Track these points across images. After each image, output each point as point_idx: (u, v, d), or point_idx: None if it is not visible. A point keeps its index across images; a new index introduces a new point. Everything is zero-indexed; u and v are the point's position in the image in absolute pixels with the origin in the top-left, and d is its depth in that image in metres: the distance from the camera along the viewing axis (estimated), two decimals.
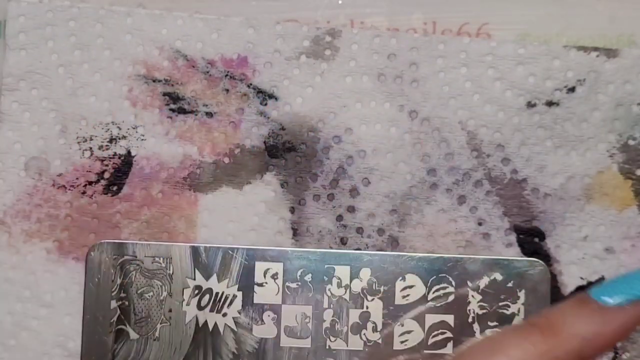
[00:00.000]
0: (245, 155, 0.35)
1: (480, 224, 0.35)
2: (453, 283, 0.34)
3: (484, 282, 0.34)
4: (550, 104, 0.34)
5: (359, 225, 0.35)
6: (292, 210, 0.35)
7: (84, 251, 0.35)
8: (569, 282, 0.35)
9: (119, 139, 0.35)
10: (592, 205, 0.34)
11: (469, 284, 0.34)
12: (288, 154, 0.35)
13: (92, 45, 0.35)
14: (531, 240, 0.35)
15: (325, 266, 0.34)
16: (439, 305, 0.34)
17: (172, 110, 0.35)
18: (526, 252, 0.35)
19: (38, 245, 0.35)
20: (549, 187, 0.35)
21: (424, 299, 0.34)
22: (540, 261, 0.34)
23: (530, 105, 0.34)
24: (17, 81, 0.36)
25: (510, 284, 0.34)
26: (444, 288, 0.34)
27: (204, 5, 0.36)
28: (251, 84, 0.35)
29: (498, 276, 0.34)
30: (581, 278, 0.34)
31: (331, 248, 0.35)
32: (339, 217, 0.35)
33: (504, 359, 0.22)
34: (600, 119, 0.34)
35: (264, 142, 0.35)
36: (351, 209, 0.35)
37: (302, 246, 0.35)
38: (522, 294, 0.34)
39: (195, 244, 0.34)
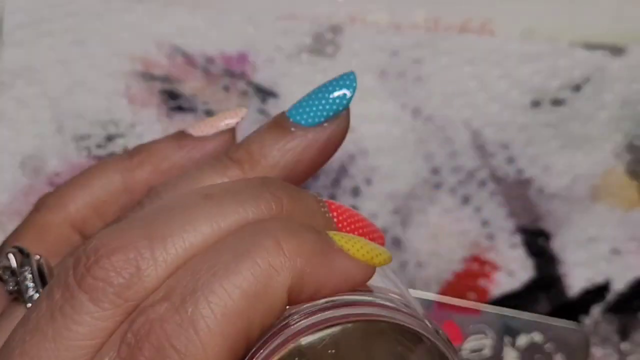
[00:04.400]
0: None
1: (484, 224, 0.35)
2: (491, 337, 0.33)
3: (522, 340, 0.33)
4: (555, 102, 0.34)
5: None
6: None
7: None
8: (575, 283, 0.34)
9: (117, 137, 0.35)
10: (598, 205, 0.34)
11: (507, 339, 0.33)
12: None
13: (89, 41, 0.35)
14: (536, 241, 0.35)
15: None
16: (472, 353, 0.33)
17: (171, 108, 0.35)
18: (531, 253, 0.34)
19: None
20: (554, 187, 0.35)
21: (459, 349, 0.33)
22: (581, 328, 0.33)
23: (536, 104, 0.34)
24: (14, 78, 0.36)
25: (547, 346, 0.33)
26: (481, 339, 0.33)
27: (203, 1, 0.36)
28: (251, 82, 0.35)
29: (537, 335, 0.33)
30: (587, 279, 0.34)
31: None
32: None
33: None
34: (606, 118, 0.34)
35: None
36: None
37: None
38: (558, 357, 0.33)
39: None
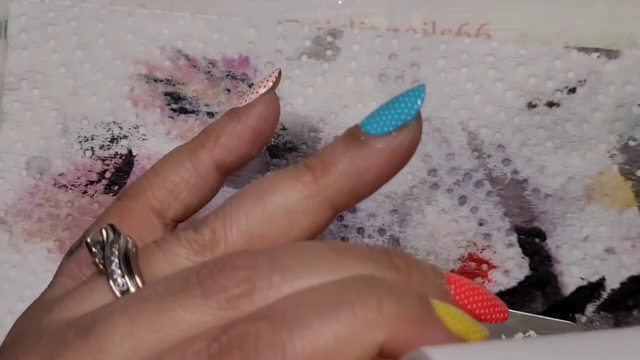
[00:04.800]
0: None
1: (481, 224, 0.35)
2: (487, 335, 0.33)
3: (517, 338, 0.33)
4: (551, 104, 0.34)
5: (360, 226, 0.35)
6: None
7: None
8: (570, 282, 0.35)
9: (120, 138, 0.36)
10: (593, 205, 0.35)
11: (503, 337, 0.33)
12: (289, 154, 0.35)
13: (93, 44, 0.35)
14: (532, 240, 0.35)
15: None
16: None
17: (174, 110, 0.35)
18: (527, 252, 0.35)
19: (39, 245, 0.35)
20: (549, 188, 0.35)
21: None
22: (576, 326, 0.33)
23: (531, 105, 0.34)
24: (19, 80, 0.36)
25: None
26: None
27: (205, 5, 0.36)
28: (252, 84, 0.35)
29: (533, 334, 0.33)
30: (582, 278, 0.34)
31: None
32: (340, 217, 0.35)
33: (276, 197, 0.22)
34: (600, 120, 0.34)
35: None
36: (352, 209, 0.35)
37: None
38: None
39: None
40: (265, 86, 0.28)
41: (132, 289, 0.21)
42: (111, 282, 0.21)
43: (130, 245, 0.22)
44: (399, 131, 0.22)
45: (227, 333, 0.18)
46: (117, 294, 0.21)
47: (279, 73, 0.28)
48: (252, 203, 0.22)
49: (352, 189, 0.22)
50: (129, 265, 0.21)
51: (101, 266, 0.22)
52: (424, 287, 0.20)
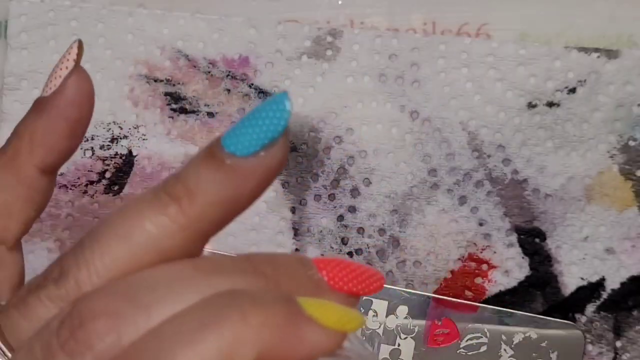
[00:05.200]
0: None
1: (481, 224, 0.35)
2: (488, 334, 0.33)
3: (518, 337, 0.33)
4: (551, 104, 0.34)
5: (360, 226, 0.35)
6: (293, 210, 0.35)
7: None
8: (570, 282, 0.35)
9: (121, 138, 0.36)
10: (593, 205, 0.35)
11: (504, 337, 0.33)
12: (289, 154, 0.35)
13: (93, 45, 0.36)
14: (532, 240, 0.35)
15: (363, 298, 0.34)
16: (470, 353, 0.33)
17: (174, 110, 0.35)
18: (527, 252, 0.35)
19: (39, 245, 0.35)
20: (549, 188, 0.35)
21: (456, 345, 0.33)
22: (576, 326, 0.33)
23: (531, 105, 0.34)
24: (19, 80, 0.36)
25: (543, 344, 0.33)
26: (478, 338, 0.33)
27: (205, 5, 0.36)
28: (252, 84, 0.35)
29: (533, 334, 0.33)
30: (582, 278, 0.34)
31: (332, 248, 0.35)
32: (340, 217, 0.35)
33: (142, 235, 0.19)
34: (600, 120, 0.34)
35: None
36: (352, 209, 0.35)
37: (303, 246, 0.35)
38: (554, 356, 0.33)
39: (210, 250, 0.34)
40: (67, 66, 0.24)
41: None
42: None
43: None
44: (267, 150, 0.20)
45: None
46: None
47: (79, 45, 0.24)
48: (116, 245, 0.19)
49: (223, 216, 0.20)
50: None
51: None
52: (294, 286, 0.19)
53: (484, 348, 0.33)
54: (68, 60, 0.24)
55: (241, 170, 0.20)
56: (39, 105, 0.24)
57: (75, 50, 0.24)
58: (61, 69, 0.24)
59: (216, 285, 0.19)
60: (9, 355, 0.19)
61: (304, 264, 0.20)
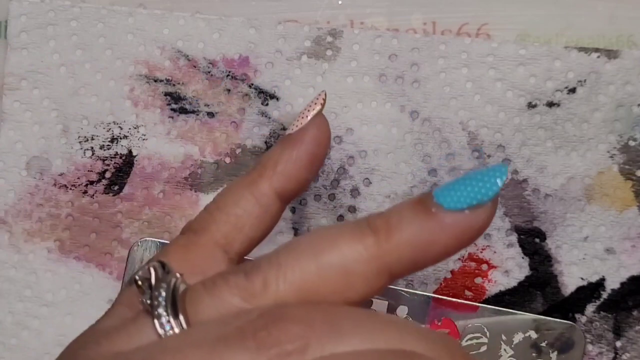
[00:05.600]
0: (246, 155, 0.35)
1: None
2: (488, 334, 0.33)
3: (518, 337, 0.33)
4: (551, 104, 0.34)
5: None
6: (293, 210, 0.35)
7: (85, 250, 0.36)
8: (570, 282, 0.35)
9: (121, 138, 0.36)
10: (593, 205, 0.35)
11: (504, 337, 0.33)
12: None
13: (93, 44, 0.36)
14: (532, 240, 0.35)
15: None
16: (470, 353, 0.33)
17: (174, 110, 0.35)
18: (527, 252, 0.35)
19: (39, 245, 0.36)
20: (549, 188, 0.35)
21: None
22: (576, 326, 0.33)
23: (531, 105, 0.34)
24: (19, 80, 0.36)
25: (543, 344, 0.33)
26: (478, 338, 0.33)
27: (205, 5, 0.36)
28: (252, 84, 0.35)
29: (533, 334, 0.33)
30: (582, 279, 0.35)
31: None
32: (340, 217, 0.35)
33: (334, 255, 0.21)
34: (600, 120, 0.34)
35: (265, 142, 0.35)
36: (352, 209, 0.35)
37: None
38: (554, 356, 0.33)
39: None
40: (314, 109, 0.28)
41: (177, 330, 0.21)
42: (156, 322, 0.21)
43: (178, 284, 0.22)
44: (472, 210, 0.21)
45: None
46: (162, 334, 0.21)
47: (325, 95, 0.29)
48: (309, 258, 0.21)
49: (413, 260, 0.21)
50: (175, 306, 0.21)
51: (148, 305, 0.21)
52: None
53: (484, 348, 0.33)
54: (316, 104, 0.29)
55: (442, 219, 0.21)
56: (286, 139, 0.28)
57: (322, 97, 0.29)
58: (308, 110, 0.29)
59: (393, 341, 0.19)
60: (185, 327, 0.21)
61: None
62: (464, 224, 0.21)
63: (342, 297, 0.21)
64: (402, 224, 0.21)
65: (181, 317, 0.21)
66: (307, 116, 0.28)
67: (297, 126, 0.28)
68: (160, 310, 0.21)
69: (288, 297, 0.21)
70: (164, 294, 0.21)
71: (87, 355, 0.21)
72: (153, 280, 0.22)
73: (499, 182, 0.21)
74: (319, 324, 0.19)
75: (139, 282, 0.22)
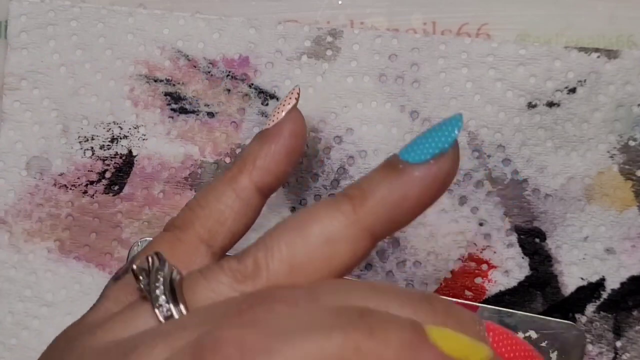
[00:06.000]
0: None
1: (481, 224, 0.35)
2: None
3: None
4: (551, 104, 0.34)
5: None
6: (293, 210, 0.35)
7: (85, 250, 0.36)
8: (570, 282, 0.35)
9: (121, 138, 0.36)
10: (593, 205, 0.35)
11: None
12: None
13: (93, 44, 0.36)
14: (532, 240, 0.35)
15: None
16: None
17: (174, 110, 0.35)
18: (527, 252, 0.35)
19: (39, 245, 0.36)
20: (549, 188, 0.35)
21: None
22: (576, 326, 0.33)
23: (531, 105, 0.34)
24: (19, 80, 0.36)
25: (543, 344, 0.33)
26: None
27: (205, 5, 0.36)
28: (252, 84, 0.35)
29: (533, 334, 0.33)
30: (582, 278, 0.35)
31: None
32: None
33: (316, 227, 0.22)
34: (600, 120, 0.34)
35: None
36: None
37: None
38: (554, 356, 0.33)
39: None
40: (289, 103, 0.29)
41: (176, 316, 0.21)
42: (156, 309, 0.22)
43: (175, 274, 0.23)
44: (436, 159, 0.22)
45: None
46: (161, 319, 0.21)
47: (299, 89, 0.30)
48: (293, 234, 0.22)
49: (391, 217, 0.22)
50: (173, 293, 0.22)
51: (146, 292, 0.22)
52: (461, 329, 0.20)
53: None
54: (290, 99, 0.29)
55: (410, 174, 0.22)
56: (263, 134, 0.29)
57: (297, 91, 0.30)
58: (284, 105, 0.29)
59: (391, 310, 0.20)
60: (184, 312, 0.21)
61: (477, 320, 0.21)
62: (431, 173, 0.22)
63: (330, 267, 0.22)
64: (373, 187, 0.22)
65: (180, 303, 0.22)
66: (282, 111, 0.29)
67: (273, 121, 0.29)
68: (159, 296, 0.22)
69: (279, 272, 0.22)
70: (162, 280, 0.22)
71: (83, 346, 0.22)
72: (151, 269, 0.23)
73: (456, 130, 0.22)
74: (305, 301, 0.20)
75: (137, 273, 0.23)
